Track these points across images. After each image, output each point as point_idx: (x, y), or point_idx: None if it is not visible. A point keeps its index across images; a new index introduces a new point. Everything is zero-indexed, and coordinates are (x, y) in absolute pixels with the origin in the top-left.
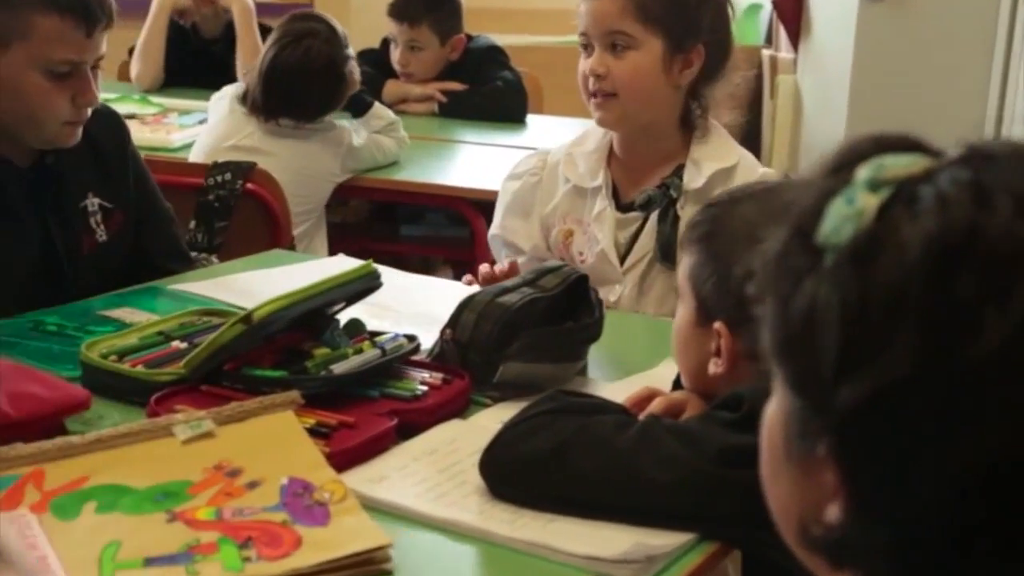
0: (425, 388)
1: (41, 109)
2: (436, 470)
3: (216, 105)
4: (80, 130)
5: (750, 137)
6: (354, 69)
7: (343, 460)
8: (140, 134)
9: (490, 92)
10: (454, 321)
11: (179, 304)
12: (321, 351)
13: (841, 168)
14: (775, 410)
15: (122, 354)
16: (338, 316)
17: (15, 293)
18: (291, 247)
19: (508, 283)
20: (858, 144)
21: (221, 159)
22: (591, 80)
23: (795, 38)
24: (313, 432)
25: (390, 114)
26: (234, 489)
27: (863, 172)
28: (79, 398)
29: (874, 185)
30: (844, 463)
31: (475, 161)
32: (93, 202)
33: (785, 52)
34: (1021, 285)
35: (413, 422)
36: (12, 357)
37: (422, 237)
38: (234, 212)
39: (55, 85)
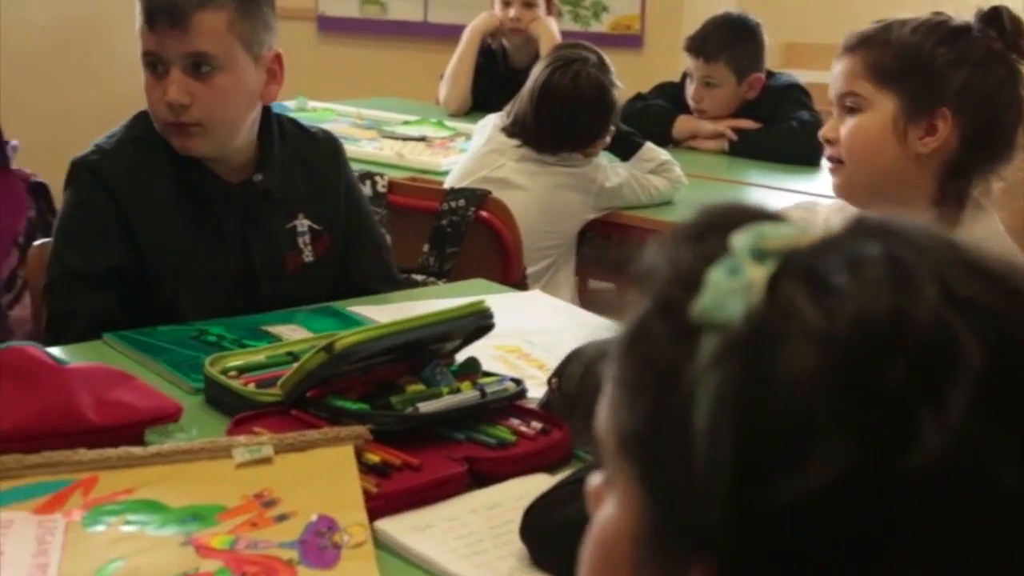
0: (517, 437)
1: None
2: (488, 526)
3: (479, 132)
4: (186, 138)
5: None
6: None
7: (390, 502)
8: (417, 156)
9: (783, 132)
10: (561, 371)
11: (345, 326)
12: (414, 387)
13: (703, 236)
14: (615, 516)
15: (243, 370)
16: (453, 353)
17: (216, 306)
18: (523, 278)
19: None
20: (719, 210)
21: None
22: (825, 146)
23: None
24: (374, 469)
25: (662, 154)
26: (262, 520)
27: (742, 239)
28: (167, 410)
29: (758, 255)
30: None
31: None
32: (303, 223)
33: None
34: (956, 386)
35: (491, 471)
36: (156, 363)
37: None
38: (466, 239)
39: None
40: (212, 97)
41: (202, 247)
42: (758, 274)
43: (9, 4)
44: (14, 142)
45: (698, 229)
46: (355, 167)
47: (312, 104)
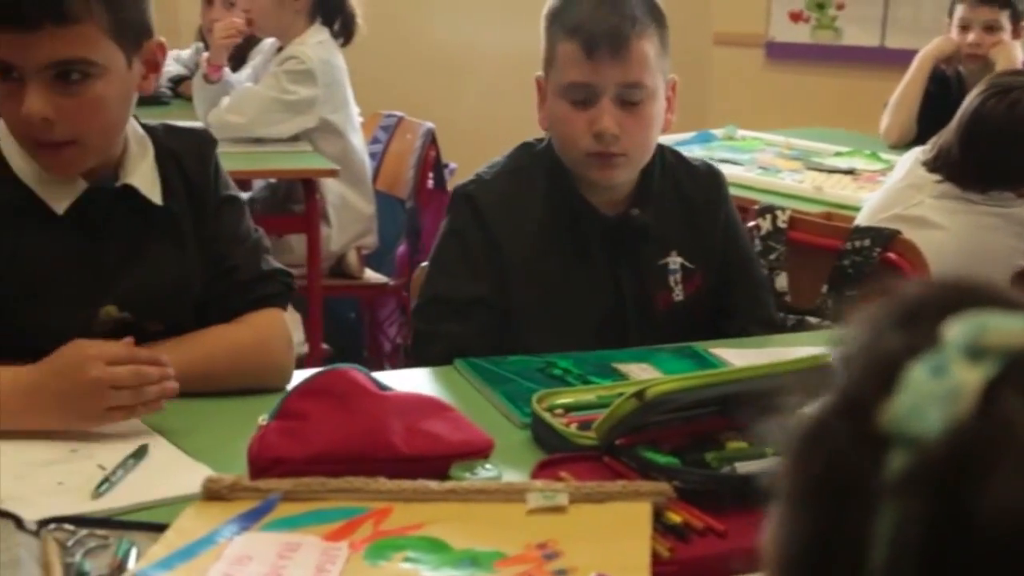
0: None
1: (566, 137)
2: None
3: (900, 166)
4: (613, 168)
5: None
6: None
7: (682, 569)
8: (837, 190)
9: None
10: None
11: (700, 368)
12: (735, 444)
13: (914, 320)
14: None
15: (571, 408)
16: (795, 409)
17: (586, 338)
18: None
19: None
20: (940, 288)
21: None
22: None
23: None
24: (672, 531)
25: None
26: (539, 572)
27: (957, 330)
28: (477, 445)
29: (975, 352)
30: None
31: None
32: (675, 260)
33: None
34: None
35: None
36: (494, 394)
37: None
38: (868, 282)
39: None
40: (635, 127)
41: (571, 282)
42: (971, 378)
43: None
44: (452, 164)
45: (910, 311)
46: (761, 199)
47: (741, 133)
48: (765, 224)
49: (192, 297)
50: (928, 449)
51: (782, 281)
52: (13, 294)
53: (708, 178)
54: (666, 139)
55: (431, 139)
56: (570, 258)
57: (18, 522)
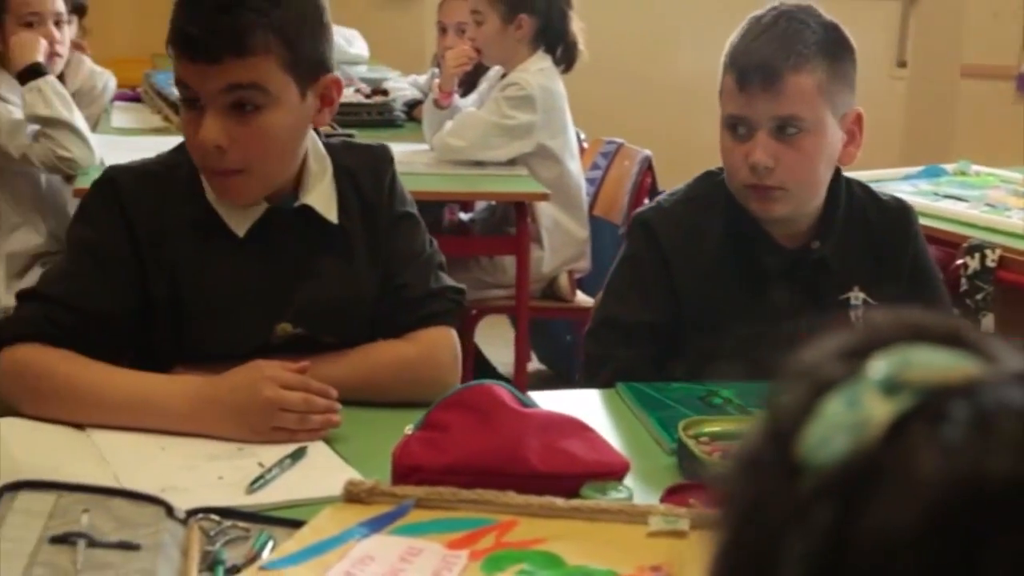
0: None
1: (728, 168)
2: None
3: None
4: (769, 202)
5: None
6: None
7: None
8: None
9: None
10: None
11: None
12: None
13: (854, 353)
14: None
15: (717, 437)
16: None
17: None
18: None
19: None
20: (889, 322)
21: None
22: None
23: None
24: None
25: None
26: None
27: (881, 365)
28: (612, 467)
29: (890, 388)
30: None
31: None
32: (857, 296)
33: None
34: None
35: None
36: (648, 419)
37: None
38: None
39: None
40: (798, 160)
41: (746, 315)
42: (881, 411)
43: None
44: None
45: (855, 343)
46: (975, 236)
47: (975, 168)
48: (972, 263)
49: (365, 312)
50: (823, 476)
51: (988, 322)
52: (197, 309)
53: (897, 213)
54: (892, 172)
55: (647, 166)
56: (745, 288)
57: (169, 510)
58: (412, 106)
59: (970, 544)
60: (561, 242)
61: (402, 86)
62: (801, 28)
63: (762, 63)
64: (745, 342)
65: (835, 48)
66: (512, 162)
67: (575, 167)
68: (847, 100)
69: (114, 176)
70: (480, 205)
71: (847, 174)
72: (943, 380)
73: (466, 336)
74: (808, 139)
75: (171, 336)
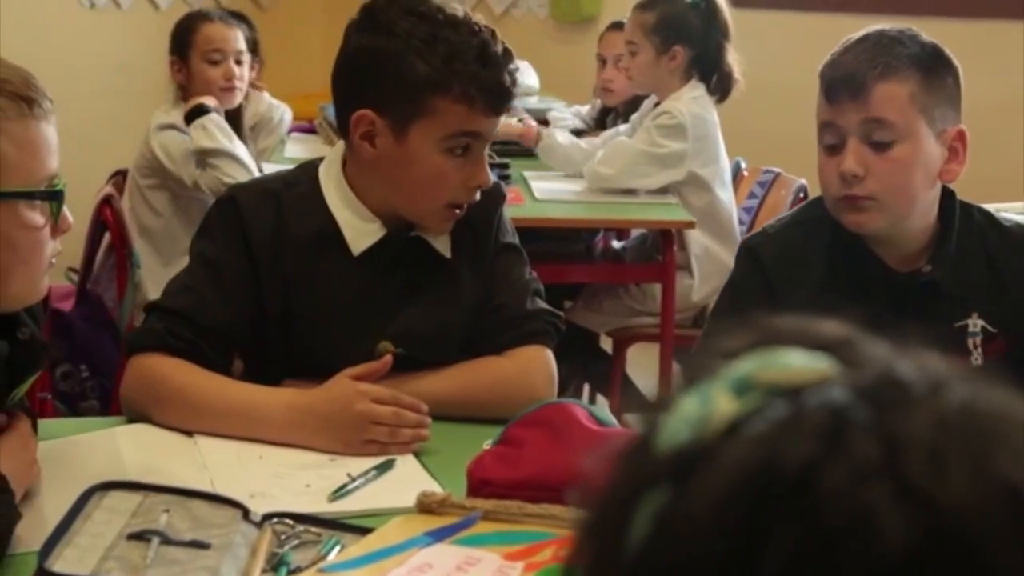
0: None
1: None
2: None
3: None
4: (861, 212)
5: None
6: None
7: None
8: None
9: None
10: None
11: None
12: None
13: (732, 353)
14: None
15: None
16: None
17: None
18: None
19: None
20: (769, 326)
21: None
22: None
23: None
24: None
25: None
26: None
27: (740, 367)
28: None
29: (741, 387)
30: None
31: None
32: (976, 323)
33: None
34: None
35: None
36: None
37: None
38: None
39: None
40: (889, 170)
41: None
42: (725, 408)
43: None
44: None
45: (736, 344)
46: None
47: None
48: None
49: (459, 337)
50: (660, 463)
51: None
52: (306, 321)
53: (1021, 238)
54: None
55: (801, 195)
56: (852, 312)
57: (245, 512)
58: (577, 135)
59: (755, 533)
60: (712, 270)
61: (565, 116)
62: (892, 43)
63: (847, 74)
64: None
65: (931, 63)
66: (664, 190)
67: (726, 196)
68: (948, 116)
69: (235, 194)
70: (633, 233)
71: (967, 200)
72: (793, 383)
73: (616, 362)
74: (900, 149)
75: (282, 347)
